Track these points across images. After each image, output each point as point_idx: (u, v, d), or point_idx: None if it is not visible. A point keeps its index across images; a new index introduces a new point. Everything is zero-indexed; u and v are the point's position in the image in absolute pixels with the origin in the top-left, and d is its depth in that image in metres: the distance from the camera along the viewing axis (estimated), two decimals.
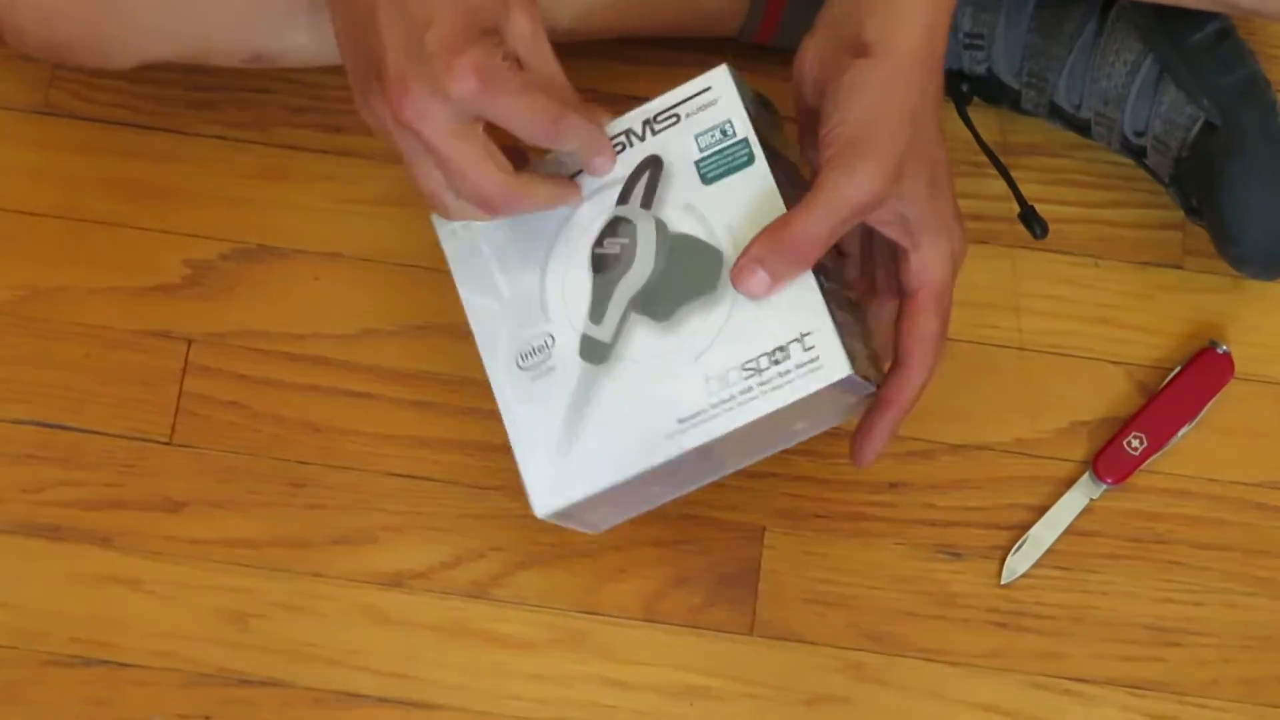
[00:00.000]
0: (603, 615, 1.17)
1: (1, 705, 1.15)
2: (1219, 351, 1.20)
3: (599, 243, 0.99)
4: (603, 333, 0.98)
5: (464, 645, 1.16)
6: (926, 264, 0.97)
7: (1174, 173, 1.19)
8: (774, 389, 0.95)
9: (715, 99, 0.98)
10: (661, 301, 0.97)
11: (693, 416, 0.96)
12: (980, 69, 1.22)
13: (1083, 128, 1.22)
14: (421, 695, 1.15)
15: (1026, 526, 1.18)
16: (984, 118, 1.24)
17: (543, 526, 1.17)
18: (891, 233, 0.97)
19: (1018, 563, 1.17)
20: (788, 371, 0.95)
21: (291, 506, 1.18)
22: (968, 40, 1.21)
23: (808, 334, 0.95)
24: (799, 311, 0.95)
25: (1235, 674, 1.17)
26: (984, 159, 1.21)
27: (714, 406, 0.96)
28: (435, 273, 1.22)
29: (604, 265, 0.98)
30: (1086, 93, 1.20)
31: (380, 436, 1.20)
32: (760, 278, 0.93)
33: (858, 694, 1.16)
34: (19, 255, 1.23)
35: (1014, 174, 1.21)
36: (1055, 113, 1.22)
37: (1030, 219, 1.20)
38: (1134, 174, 1.24)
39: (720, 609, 1.17)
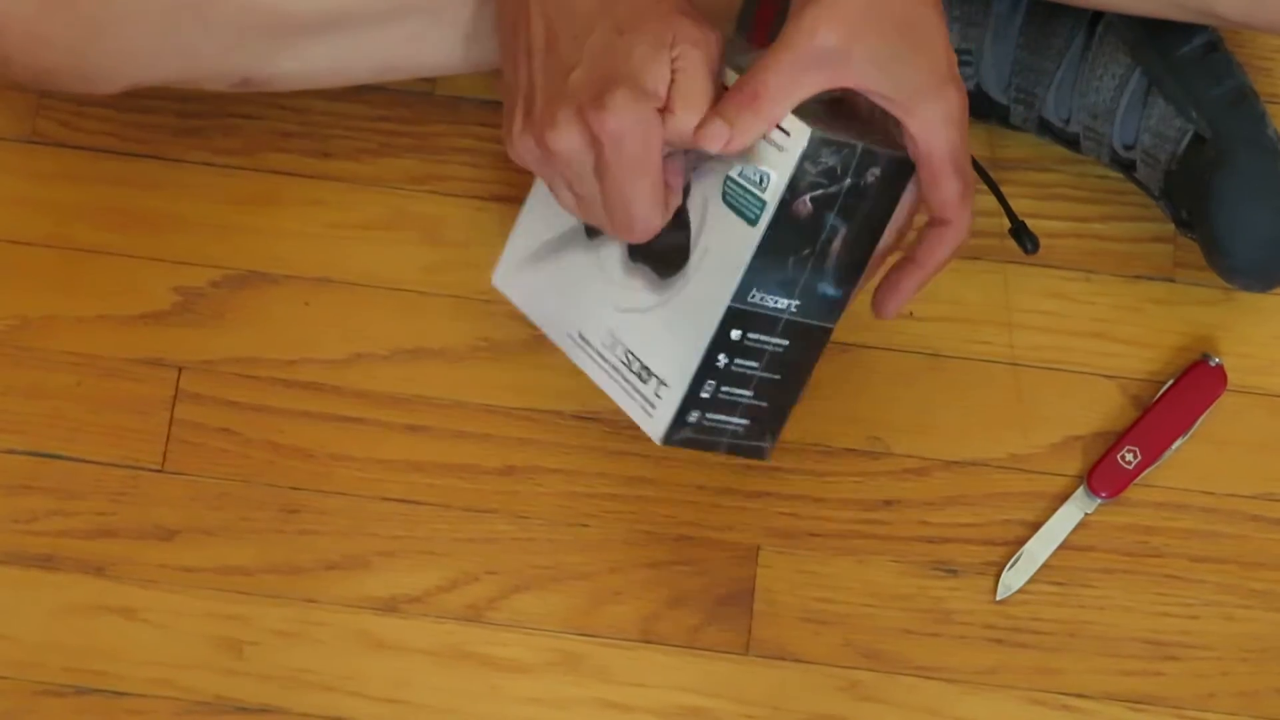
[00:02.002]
0: (599, 637, 1.16)
1: None
2: (1211, 364, 1.20)
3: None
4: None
5: (459, 669, 1.16)
6: (924, 131, 0.96)
7: (1164, 186, 1.19)
8: (623, 393, 1.02)
9: (781, 148, 0.96)
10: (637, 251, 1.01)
11: (585, 342, 1.03)
12: (969, 85, 1.22)
13: (1072, 142, 1.22)
14: None
15: (1021, 542, 1.18)
16: (973, 133, 1.22)
17: (538, 549, 1.17)
18: (881, 100, 0.96)
19: (1013, 578, 1.17)
20: (635, 394, 1.01)
21: (284, 533, 1.18)
22: (956, 56, 1.21)
23: (663, 384, 0.99)
24: (676, 365, 0.99)
25: (1233, 686, 1.16)
26: (974, 174, 1.21)
27: (597, 357, 1.02)
28: (426, 296, 1.22)
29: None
30: (1075, 107, 1.20)
31: (373, 461, 1.19)
32: (718, 127, 0.93)
33: (855, 713, 1.16)
34: (8, 285, 1.23)
35: (1004, 189, 1.20)
36: (1044, 127, 1.22)
37: (1021, 234, 1.20)
38: (1124, 187, 1.24)
39: (716, 629, 1.17)
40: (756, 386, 1.01)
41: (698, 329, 0.98)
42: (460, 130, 1.26)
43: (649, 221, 0.96)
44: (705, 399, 1.00)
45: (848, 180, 0.97)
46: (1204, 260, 1.19)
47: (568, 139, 0.94)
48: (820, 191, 0.96)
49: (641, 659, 1.16)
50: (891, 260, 1.03)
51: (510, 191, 1.24)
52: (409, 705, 1.15)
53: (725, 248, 0.97)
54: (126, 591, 1.17)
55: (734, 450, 1.03)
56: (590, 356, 1.03)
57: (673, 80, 0.93)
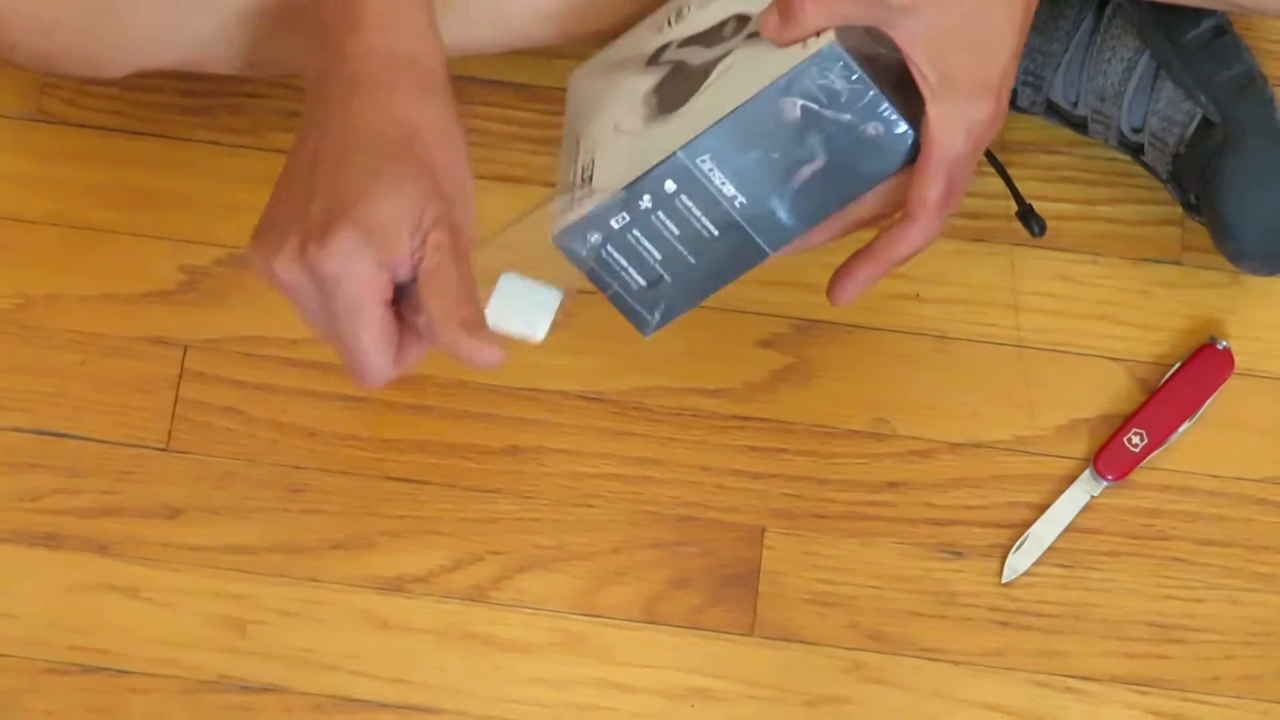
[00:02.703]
0: (603, 617, 1.16)
1: (1, 714, 1.14)
2: (1219, 347, 1.20)
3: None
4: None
5: (463, 649, 1.16)
6: (940, 124, 0.95)
7: (1172, 169, 1.19)
8: (564, 200, 1.00)
9: (804, 46, 0.94)
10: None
11: (576, 148, 1.03)
12: None
13: (1080, 125, 1.22)
14: (421, 700, 1.15)
15: (1027, 524, 1.18)
16: None
17: (542, 529, 1.17)
18: (916, 74, 0.94)
19: (1019, 561, 1.17)
20: (569, 198, 0.99)
21: (289, 512, 1.18)
22: None
23: (591, 193, 0.97)
24: (609, 181, 0.96)
25: (1238, 670, 1.16)
26: (981, 157, 1.21)
27: (573, 166, 1.02)
28: None
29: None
30: (1083, 90, 1.20)
31: (377, 441, 1.19)
32: (773, 18, 0.93)
33: (859, 694, 1.16)
34: (13, 263, 1.22)
35: (1011, 171, 1.20)
36: (1052, 110, 1.22)
37: (1028, 217, 1.20)
38: (1132, 170, 1.24)
39: (721, 610, 1.16)
40: (668, 255, 0.98)
41: (643, 163, 0.95)
42: (466, 110, 1.24)
43: (375, 371, 0.91)
44: (614, 229, 0.96)
45: (847, 115, 0.95)
46: (1211, 244, 1.19)
47: (288, 269, 0.89)
48: (815, 106, 0.94)
49: (645, 639, 1.16)
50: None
51: (515, 172, 1.23)
52: (413, 684, 1.15)
53: (708, 106, 0.95)
54: (130, 570, 1.17)
55: (619, 305, 0.99)
56: (571, 162, 1.01)
57: (424, 259, 0.89)
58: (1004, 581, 1.17)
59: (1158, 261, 1.24)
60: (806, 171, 0.96)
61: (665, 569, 1.17)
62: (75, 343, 1.21)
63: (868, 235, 1.01)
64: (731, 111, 0.94)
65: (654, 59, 1.01)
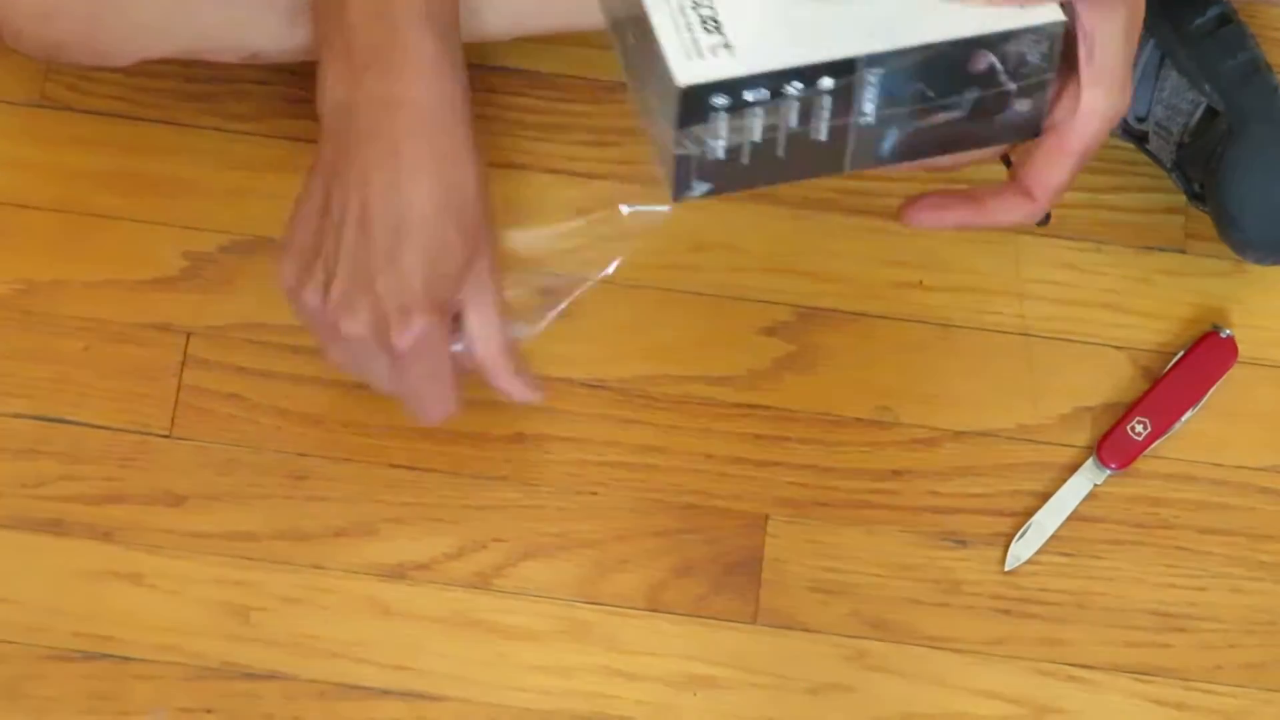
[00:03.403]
0: (606, 605, 1.16)
1: (3, 700, 1.14)
2: (1222, 336, 1.20)
3: None
4: None
5: (467, 636, 1.16)
6: (1090, 110, 0.91)
7: (1176, 158, 1.19)
8: (671, 25, 0.86)
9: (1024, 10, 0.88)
10: None
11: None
12: None
13: None
14: (424, 687, 1.15)
15: (1030, 513, 1.18)
16: None
17: (546, 516, 1.17)
18: (1085, 50, 0.91)
19: (1022, 549, 1.17)
20: (686, 33, 0.87)
21: (293, 499, 1.18)
22: None
23: (727, 47, 0.86)
24: (754, 49, 0.86)
25: (1240, 659, 1.16)
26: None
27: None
28: None
29: None
30: None
31: (381, 427, 1.19)
32: None
33: (862, 682, 1.16)
34: (16, 249, 1.22)
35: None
36: None
37: None
38: (1136, 158, 1.24)
39: (724, 598, 1.17)
40: (767, 141, 0.89)
41: (809, 46, 0.85)
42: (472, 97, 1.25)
43: (442, 413, 1.04)
44: (745, 101, 0.86)
45: (1013, 85, 0.89)
46: (1215, 233, 1.18)
47: (362, 329, 0.98)
48: (1000, 68, 0.88)
49: (648, 627, 1.16)
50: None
51: (522, 159, 1.23)
52: (416, 672, 1.15)
53: (895, 13, 0.87)
54: (134, 557, 1.17)
55: (667, 163, 0.89)
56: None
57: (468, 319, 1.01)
58: (1007, 570, 1.17)
59: (1162, 250, 1.24)
60: (941, 118, 0.90)
61: (669, 556, 1.17)
62: (78, 329, 1.21)
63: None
64: (930, 44, 0.87)
65: None
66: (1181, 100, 1.17)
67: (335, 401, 1.20)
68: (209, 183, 1.24)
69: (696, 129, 0.86)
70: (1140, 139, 1.21)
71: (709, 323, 1.21)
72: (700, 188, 0.89)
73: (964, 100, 0.90)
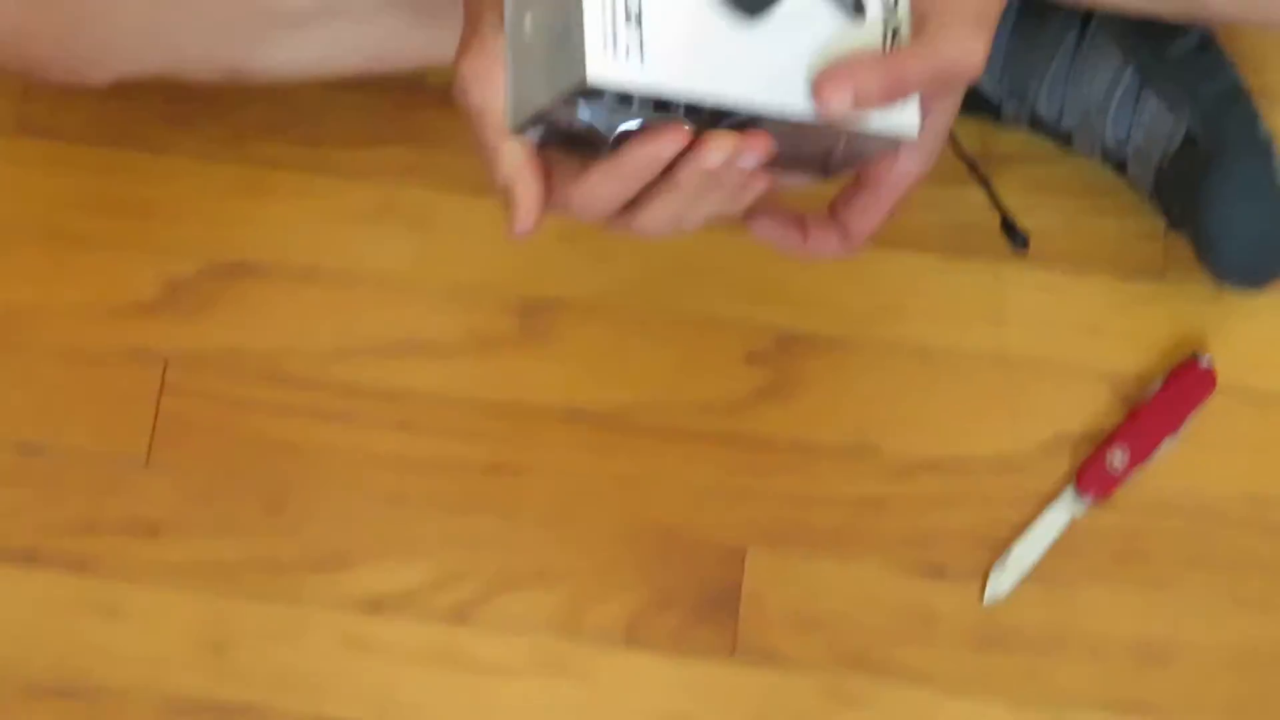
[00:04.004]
0: (584, 639, 1.16)
1: None
2: (1201, 363, 1.20)
3: None
4: None
5: (444, 671, 1.16)
6: (909, 169, 0.92)
7: (1155, 184, 1.19)
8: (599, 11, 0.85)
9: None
10: None
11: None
12: None
13: (1064, 138, 1.22)
14: None
15: (1010, 542, 1.18)
16: (965, 127, 1.23)
17: (524, 547, 1.17)
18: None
19: (1001, 581, 1.17)
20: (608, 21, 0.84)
21: (270, 529, 1.18)
22: None
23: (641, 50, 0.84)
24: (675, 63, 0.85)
25: (1220, 692, 1.16)
26: (965, 170, 1.21)
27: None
28: (415, 287, 1.22)
29: None
30: (1067, 103, 1.19)
31: (360, 456, 1.19)
32: (845, 95, 0.86)
33: (840, 717, 1.15)
34: None
35: (995, 184, 1.20)
36: (1036, 123, 1.22)
37: (1012, 231, 1.20)
38: (1116, 183, 1.24)
39: (702, 631, 1.16)
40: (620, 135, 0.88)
41: (701, 78, 0.84)
42: (451, 119, 1.25)
43: None
44: (608, 101, 0.85)
45: (850, 158, 0.91)
46: (1195, 258, 1.18)
47: None
48: (844, 149, 0.90)
49: (627, 661, 1.16)
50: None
51: None
52: (392, 705, 1.15)
53: (791, 64, 0.86)
54: (110, 588, 1.16)
55: (519, 117, 0.87)
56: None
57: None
58: (986, 602, 1.17)
59: (1141, 275, 1.23)
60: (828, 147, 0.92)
61: (647, 589, 1.17)
62: (56, 355, 1.21)
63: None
64: (804, 121, 0.88)
65: None
66: (1160, 125, 1.17)
67: (313, 429, 1.19)
68: (188, 207, 1.24)
69: (572, 103, 0.85)
70: (1120, 164, 1.21)
71: (689, 349, 1.21)
72: (535, 134, 0.88)
73: (804, 153, 0.91)
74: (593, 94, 0.84)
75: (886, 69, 0.86)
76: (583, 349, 1.21)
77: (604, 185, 0.86)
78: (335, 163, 1.24)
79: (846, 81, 0.86)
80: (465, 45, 0.87)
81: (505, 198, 0.87)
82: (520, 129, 0.86)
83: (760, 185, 0.88)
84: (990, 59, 1.20)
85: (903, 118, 0.89)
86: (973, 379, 1.21)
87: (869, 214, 0.94)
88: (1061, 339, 1.22)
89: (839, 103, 0.86)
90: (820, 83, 0.86)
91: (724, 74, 0.85)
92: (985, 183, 1.20)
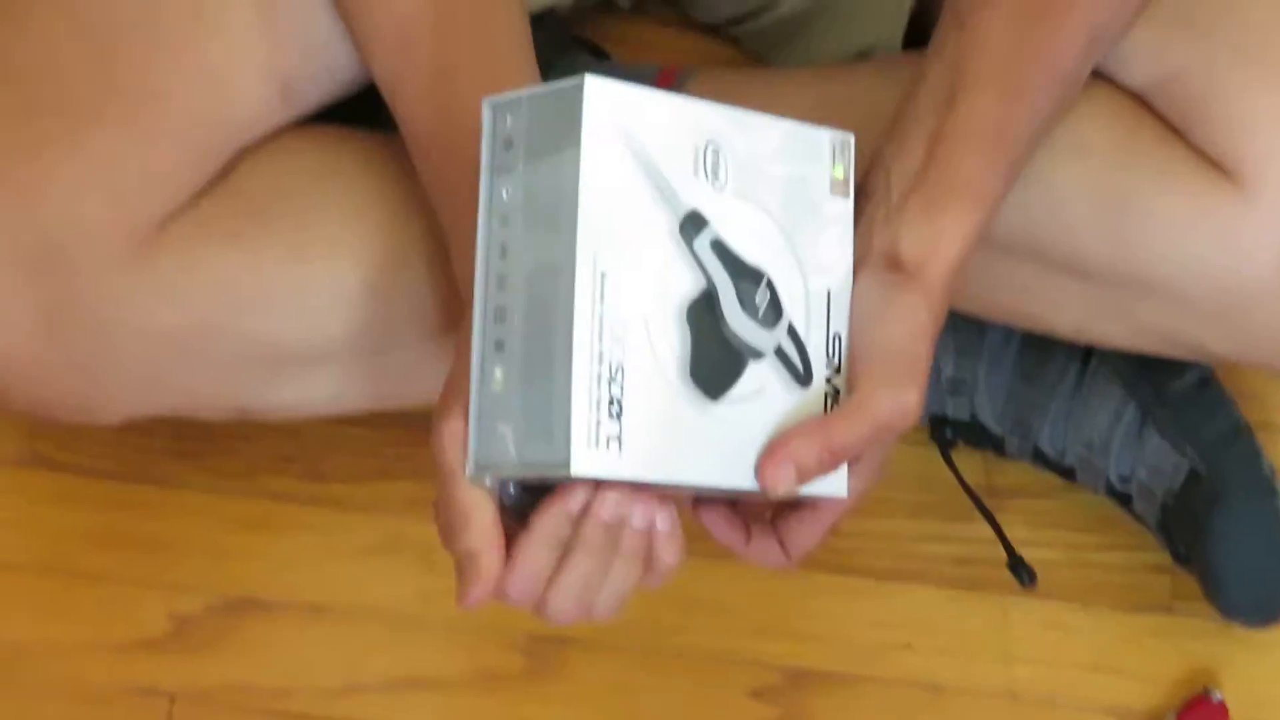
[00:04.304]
0: None
1: None
2: (1213, 699, 1.19)
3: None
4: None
5: None
6: (893, 407, 0.92)
7: (1160, 519, 1.19)
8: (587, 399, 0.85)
9: None
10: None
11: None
12: (963, 414, 1.22)
13: (1068, 473, 1.22)
14: None
15: None
16: (969, 460, 1.24)
17: None
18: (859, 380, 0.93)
19: None
20: (596, 411, 0.86)
21: None
22: (950, 386, 1.21)
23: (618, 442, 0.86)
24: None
25: None
26: (969, 504, 1.21)
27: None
28: (422, 623, 1.22)
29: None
30: (1070, 439, 1.20)
31: None
32: (788, 474, 0.89)
33: None
34: (2, 610, 1.22)
35: (1000, 517, 1.21)
36: (1040, 458, 1.22)
37: (1018, 567, 1.20)
38: (1121, 516, 1.24)
39: None
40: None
41: (671, 466, 0.87)
42: None
43: None
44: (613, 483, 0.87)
45: None
46: (1202, 593, 1.18)
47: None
48: None
49: None
50: None
51: None
52: None
53: (743, 449, 0.89)
54: None
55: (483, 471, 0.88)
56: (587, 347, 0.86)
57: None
58: None
59: (1149, 609, 1.23)
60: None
61: None
62: (59, 692, 1.20)
63: None
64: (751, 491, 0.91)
65: (686, 229, 0.88)
66: (1164, 463, 1.18)
67: None
68: (196, 542, 1.24)
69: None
70: (1124, 499, 1.21)
71: (695, 686, 1.21)
72: (491, 483, 0.89)
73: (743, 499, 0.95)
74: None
75: (823, 442, 0.89)
76: (589, 686, 1.20)
77: (528, 559, 0.87)
78: (341, 497, 1.25)
79: (787, 460, 0.89)
80: (446, 407, 0.89)
81: (465, 563, 0.88)
82: (478, 479, 0.87)
83: (670, 557, 0.90)
84: (993, 395, 1.21)
85: (834, 482, 0.92)
86: (983, 715, 1.20)
87: (806, 534, 0.95)
88: (1071, 675, 1.21)
89: (783, 482, 0.89)
90: (763, 464, 0.89)
91: (687, 459, 0.88)
92: (990, 518, 1.21)
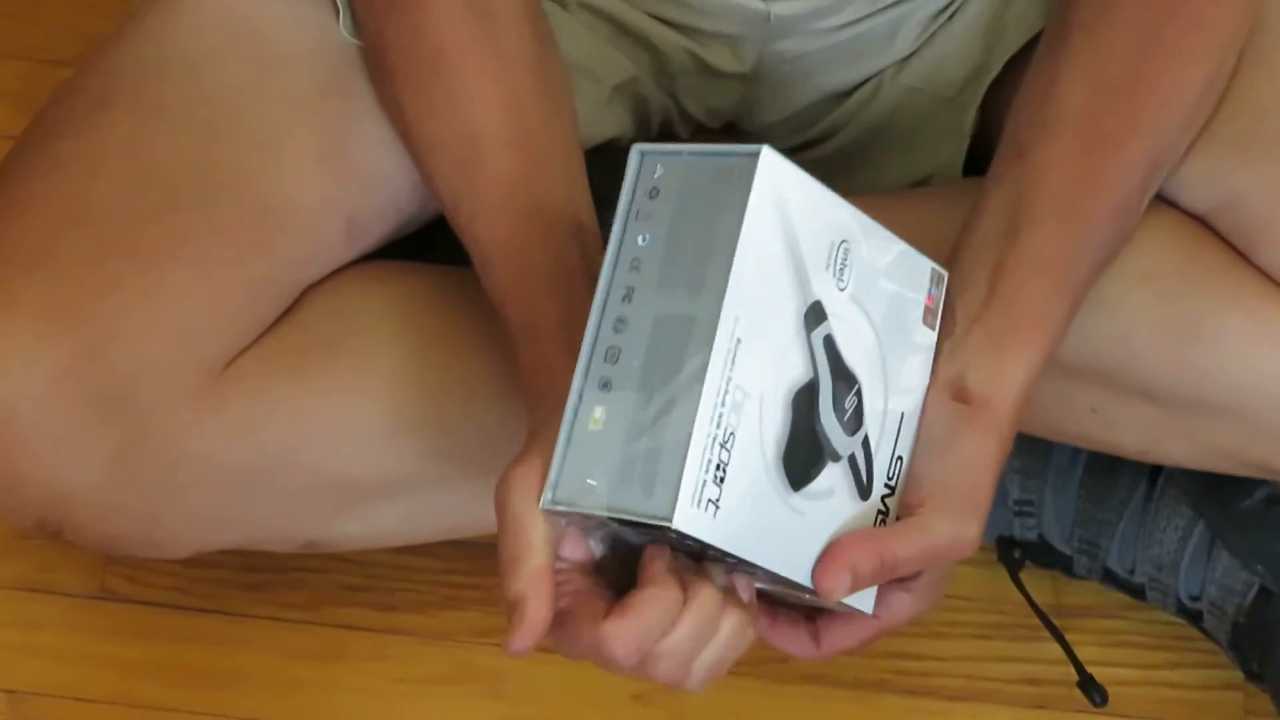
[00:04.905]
0: None
1: None
2: None
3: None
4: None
5: None
6: (952, 537, 0.93)
7: (1232, 637, 1.18)
8: (699, 457, 0.85)
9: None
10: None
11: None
12: (1031, 535, 1.22)
13: (1137, 591, 1.22)
14: None
15: None
16: (1037, 579, 1.24)
17: None
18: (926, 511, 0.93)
19: None
20: (707, 471, 0.86)
21: None
22: (1017, 507, 1.21)
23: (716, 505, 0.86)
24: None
25: None
26: (1039, 623, 1.20)
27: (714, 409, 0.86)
28: None
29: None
30: (1139, 558, 1.20)
31: None
32: (844, 582, 0.89)
33: None
34: None
35: (1070, 636, 1.20)
36: (1109, 577, 1.22)
37: (1089, 686, 1.19)
38: (1192, 633, 1.23)
39: None
40: None
41: (752, 543, 0.88)
42: None
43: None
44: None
45: None
46: (1276, 711, 1.17)
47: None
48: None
49: None
50: None
51: None
52: None
53: (809, 550, 0.90)
54: None
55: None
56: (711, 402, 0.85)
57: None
58: None
59: None
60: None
61: None
62: None
63: None
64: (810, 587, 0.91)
65: (809, 318, 0.88)
66: (1234, 580, 1.17)
67: None
68: (264, 673, 1.24)
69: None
70: (1195, 617, 1.20)
71: None
72: (566, 519, 0.88)
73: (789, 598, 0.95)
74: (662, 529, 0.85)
75: (880, 555, 0.90)
76: None
77: (643, 610, 0.86)
78: (410, 625, 1.25)
79: (845, 568, 0.89)
80: (523, 454, 0.89)
81: (512, 609, 0.87)
82: (554, 510, 0.87)
83: (743, 640, 0.90)
84: (1060, 515, 1.21)
85: (863, 598, 0.93)
86: None
87: (846, 636, 0.96)
88: None
89: (839, 588, 0.89)
90: (823, 566, 0.89)
91: (764, 541, 0.87)
92: (1060, 637, 1.20)
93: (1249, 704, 1.23)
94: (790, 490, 0.88)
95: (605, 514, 0.85)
